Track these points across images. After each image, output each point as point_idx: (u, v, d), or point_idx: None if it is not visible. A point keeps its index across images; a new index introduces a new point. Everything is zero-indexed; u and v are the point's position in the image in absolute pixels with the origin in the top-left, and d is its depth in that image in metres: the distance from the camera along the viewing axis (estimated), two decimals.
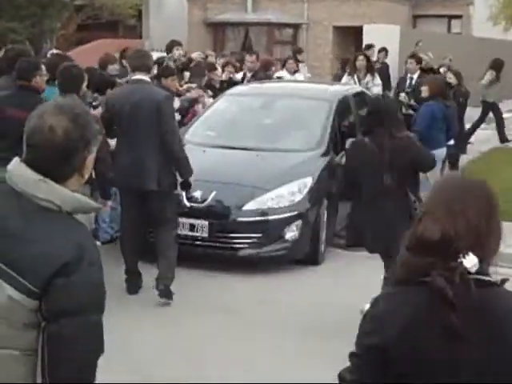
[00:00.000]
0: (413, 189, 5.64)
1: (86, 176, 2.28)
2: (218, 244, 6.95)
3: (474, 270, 1.90)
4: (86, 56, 13.24)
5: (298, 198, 7.12)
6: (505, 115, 14.66)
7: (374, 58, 12.61)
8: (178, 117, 7.84)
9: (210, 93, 9.66)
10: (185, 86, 9.29)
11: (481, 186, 2.03)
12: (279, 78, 11.30)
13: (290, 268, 7.11)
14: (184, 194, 6.65)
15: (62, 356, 2.09)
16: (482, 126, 14.14)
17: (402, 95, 10.50)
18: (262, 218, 7.01)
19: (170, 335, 5.58)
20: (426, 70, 11.87)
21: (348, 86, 10.50)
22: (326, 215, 7.36)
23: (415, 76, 11.00)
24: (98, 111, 7.13)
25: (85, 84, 6.98)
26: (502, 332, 1.90)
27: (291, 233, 7.03)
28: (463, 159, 11.58)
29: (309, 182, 7.26)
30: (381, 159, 5.43)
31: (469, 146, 12.91)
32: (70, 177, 2.21)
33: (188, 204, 6.83)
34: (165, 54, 10.71)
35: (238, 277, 6.81)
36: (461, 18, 24.23)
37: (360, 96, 9.36)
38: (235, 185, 7.09)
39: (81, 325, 2.08)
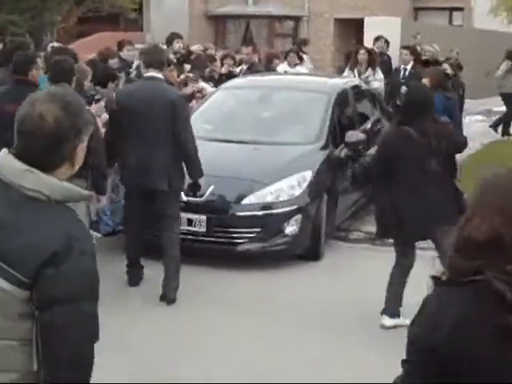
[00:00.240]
0: (452, 173, 5.79)
1: (77, 166, 2.27)
2: (216, 239, 6.87)
3: None
4: (86, 49, 13.23)
5: (298, 192, 7.04)
6: (499, 108, 14.65)
7: (385, 51, 12.52)
8: None
9: (211, 84, 9.65)
10: (182, 77, 9.25)
11: None
12: (285, 72, 11.24)
13: (289, 263, 7.06)
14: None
15: (54, 344, 2.10)
16: (480, 117, 14.12)
17: (404, 88, 10.45)
18: (262, 213, 6.92)
19: (169, 328, 5.58)
20: (431, 62, 11.83)
21: (346, 78, 10.44)
22: (325, 209, 7.29)
23: (409, 67, 10.93)
24: (100, 105, 7.11)
25: (89, 79, 6.98)
26: None
27: (291, 227, 6.95)
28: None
29: (308, 175, 7.17)
30: (426, 146, 5.49)
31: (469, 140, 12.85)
32: (59, 166, 2.21)
33: (185, 198, 6.70)
34: (165, 47, 10.68)
35: (237, 272, 6.75)
36: (462, 11, 24.15)
37: (358, 89, 9.34)
38: (233, 179, 7.00)
39: (72, 313, 2.09)
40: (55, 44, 12.49)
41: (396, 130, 5.67)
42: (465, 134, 8.37)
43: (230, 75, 10.46)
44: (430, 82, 8.74)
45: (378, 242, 8.10)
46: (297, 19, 24.18)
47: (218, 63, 10.78)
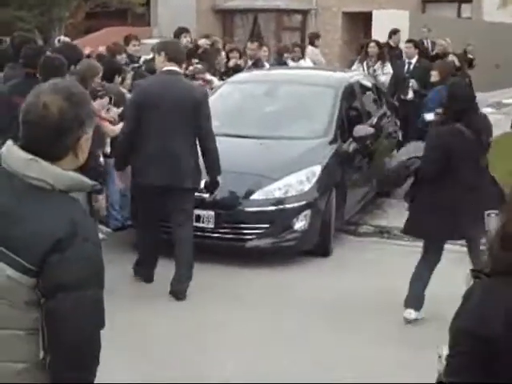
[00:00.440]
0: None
1: (82, 158, 2.28)
2: (224, 235, 6.81)
3: None
4: (94, 44, 13.24)
5: (307, 187, 6.97)
6: (510, 100, 14.58)
7: (401, 45, 12.46)
8: None
9: (217, 77, 9.65)
10: (191, 68, 9.22)
11: None
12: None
13: (298, 258, 7.02)
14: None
15: (60, 331, 2.13)
16: (490, 110, 14.04)
17: (412, 81, 10.40)
18: (270, 208, 6.85)
19: (178, 325, 5.56)
20: (442, 56, 11.78)
21: (352, 72, 10.39)
22: (335, 204, 7.23)
23: (413, 61, 10.87)
24: (102, 102, 7.07)
25: (100, 75, 6.97)
26: None
27: (300, 223, 6.88)
28: None
29: (317, 170, 7.11)
30: (477, 141, 5.49)
31: None
32: (63, 156, 2.23)
33: None
34: None
35: (246, 268, 6.70)
36: (471, 3, 24.01)
37: (364, 83, 9.31)
38: (241, 174, 6.90)
39: (77, 299, 2.12)
40: (62, 37, 12.48)
41: (448, 128, 5.51)
42: None
43: (237, 69, 10.45)
44: (439, 74, 8.73)
45: (386, 236, 8.11)
46: (305, 13, 24.11)
47: (224, 56, 10.76)
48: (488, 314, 1.92)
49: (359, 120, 8.32)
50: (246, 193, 6.88)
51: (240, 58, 11.10)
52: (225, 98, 8.45)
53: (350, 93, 8.47)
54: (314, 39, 13.69)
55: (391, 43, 12.54)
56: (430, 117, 8.46)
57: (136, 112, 5.97)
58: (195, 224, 6.61)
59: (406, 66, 10.85)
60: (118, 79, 7.92)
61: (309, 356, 5.08)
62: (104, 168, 7.32)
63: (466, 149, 5.44)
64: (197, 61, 9.76)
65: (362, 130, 8.02)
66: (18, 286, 2.12)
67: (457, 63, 10.25)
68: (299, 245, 6.97)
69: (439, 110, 8.44)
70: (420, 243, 7.76)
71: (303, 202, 6.90)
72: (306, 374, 4.81)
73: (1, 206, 2.18)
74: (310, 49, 13.53)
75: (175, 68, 6.01)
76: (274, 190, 6.89)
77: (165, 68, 6.02)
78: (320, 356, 5.08)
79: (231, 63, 10.79)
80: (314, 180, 7.01)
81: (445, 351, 2.10)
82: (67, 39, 11.91)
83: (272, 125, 7.83)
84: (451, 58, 10.31)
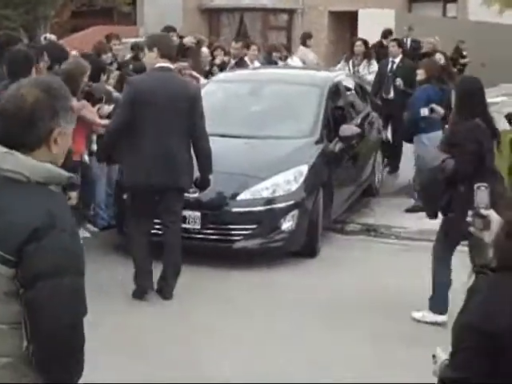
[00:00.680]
0: None
1: (56, 151, 2.30)
2: (211, 236, 6.73)
3: None
4: (81, 43, 13.19)
5: (294, 186, 6.92)
6: (497, 99, 14.61)
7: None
8: None
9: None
10: (175, 65, 9.19)
11: None
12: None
13: (286, 259, 6.96)
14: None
15: (38, 319, 2.16)
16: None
17: (399, 80, 10.42)
18: (257, 209, 6.78)
19: (165, 326, 5.53)
20: (430, 54, 11.81)
21: (337, 71, 10.39)
22: (322, 204, 7.21)
23: (397, 60, 10.87)
24: (110, 108, 7.05)
25: (87, 74, 6.94)
26: None
27: (288, 223, 6.82)
28: None
29: (304, 170, 7.07)
30: (491, 135, 5.53)
31: None
32: (36, 147, 2.27)
33: None
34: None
35: (234, 269, 6.63)
36: (456, 2, 24.11)
37: (348, 82, 9.31)
38: (228, 174, 6.75)
39: (54, 287, 2.15)
40: (48, 35, 12.41)
41: (471, 124, 5.45)
42: None
43: (223, 67, 10.44)
44: (425, 73, 8.74)
45: (373, 234, 8.14)
46: (291, 12, 24.12)
47: (207, 54, 10.73)
48: (493, 309, 1.94)
49: (344, 119, 8.32)
50: (233, 193, 6.83)
51: (225, 56, 11.11)
52: (210, 97, 8.28)
53: (335, 92, 8.45)
54: (306, 39, 13.68)
55: (384, 43, 12.57)
56: (425, 112, 8.46)
57: (129, 109, 5.79)
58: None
59: (390, 65, 10.86)
60: (103, 77, 7.91)
61: (304, 355, 5.06)
62: (89, 166, 7.32)
63: (489, 143, 5.47)
64: (184, 59, 9.75)
65: (347, 129, 8.03)
66: None
67: (443, 61, 10.24)
68: (287, 245, 6.92)
69: (436, 106, 8.47)
70: (406, 241, 7.86)
71: (291, 202, 6.85)
72: (302, 373, 4.80)
73: None
74: (300, 48, 13.54)
75: (168, 65, 5.88)
76: (262, 189, 6.85)
77: (157, 65, 5.86)
78: (315, 355, 5.07)
79: (217, 60, 10.78)
80: (302, 180, 6.98)
81: (439, 351, 2.11)
82: (53, 37, 11.84)
83: (258, 124, 7.78)
84: (438, 56, 10.29)
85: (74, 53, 8.99)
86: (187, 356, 5.03)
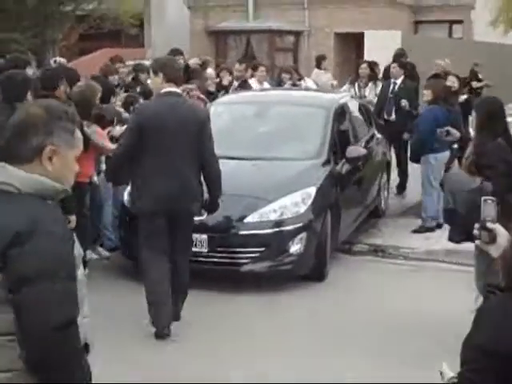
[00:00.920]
0: None
1: (50, 168, 2.34)
2: (218, 259, 6.64)
3: None
4: (89, 66, 13.26)
5: (303, 209, 6.84)
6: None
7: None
8: None
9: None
10: (182, 87, 9.24)
11: None
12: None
13: (295, 282, 6.87)
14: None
15: (26, 324, 2.16)
16: None
17: (404, 101, 10.44)
18: (265, 231, 6.70)
19: (171, 352, 5.48)
20: (441, 76, 11.85)
21: (342, 93, 10.40)
22: (330, 226, 7.15)
23: (399, 81, 10.87)
24: (123, 128, 7.07)
25: (99, 96, 6.99)
26: None
27: (296, 246, 6.73)
28: None
29: (312, 192, 7.00)
30: None
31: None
32: (29, 160, 2.33)
33: None
34: None
35: (241, 293, 6.56)
36: (462, 23, 24.22)
37: (353, 103, 9.31)
38: (235, 196, 6.64)
39: (41, 291, 2.16)
40: (58, 58, 12.50)
41: (497, 144, 5.45)
42: None
43: (228, 89, 10.51)
44: (432, 93, 8.76)
45: (381, 254, 8.12)
46: (297, 34, 24.24)
47: (213, 75, 10.77)
48: (504, 331, 1.93)
49: (350, 141, 8.32)
50: (241, 215, 6.76)
51: (230, 77, 11.16)
52: (216, 119, 8.28)
53: (341, 114, 8.44)
54: (320, 60, 13.73)
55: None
56: (442, 135, 8.43)
57: (135, 136, 5.66)
58: None
59: (392, 86, 10.87)
60: (113, 99, 7.98)
61: (313, 379, 4.97)
62: (99, 186, 7.35)
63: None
64: (191, 81, 9.80)
65: (354, 151, 8.03)
66: None
67: (456, 85, 10.15)
68: (295, 269, 6.83)
69: (452, 129, 8.44)
70: (414, 262, 7.84)
71: (299, 225, 6.76)
72: None
73: None
74: (315, 71, 13.59)
75: (175, 89, 5.79)
76: (269, 212, 6.78)
77: (164, 90, 5.74)
78: (325, 379, 4.98)
79: (225, 81, 10.83)
80: (310, 202, 6.91)
81: (445, 368, 2.11)
82: (63, 60, 11.92)
83: (264, 146, 7.75)
84: (452, 79, 10.22)
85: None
86: (194, 379, 4.98)
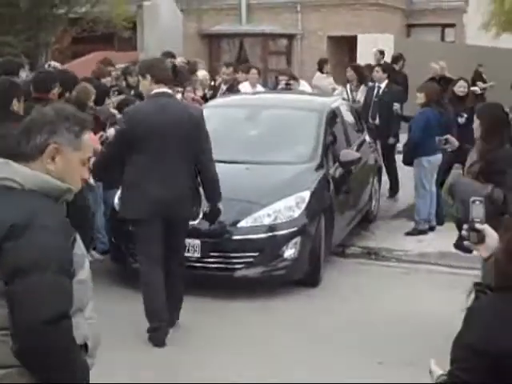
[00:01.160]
0: None
1: (52, 167, 2.37)
2: (211, 264, 6.58)
3: None
4: (82, 69, 13.23)
5: (297, 213, 6.78)
6: None
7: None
8: None
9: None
10: (178, 89, 9.26)
11: None
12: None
13: (288, 287, 6.84)
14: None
15: (18, 315, 2.16)
16: None
17: (397, 105, 10.44)
18: (259, 236, 6.62)
19: (167, 357, 5.47)
20: (439, 79, 11.88)
21: (334, 96, 10.39)
22: (324, 231, 7.11)
23: (383, 85, 10.86)
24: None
25: (93, 98, 6.98)
26: None
27: (290, 251, 6.67)
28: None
29: (306, 196, 6.94)
30: None
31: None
32: (32, 158, 2.36)
33: None
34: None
35: (234, 299, 6.52)
36: (454, 27, 24.30)
37: (345, 107, 9.32)
38: (228, 200, 6.29)
39: (33, 283, 2.17)
40: (53, 63, 12.47)
41: (507, 151, 5.42)
42: None
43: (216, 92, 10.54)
44: (425, 96, 8.78)
45: (374, 257, 8.16)
46: (290, 37, 24.29)
47: (207, 78, 10.79)
48: (494, 331, 1.95)
49: (342, 145, 8.31)
50: (234, 220, 6.67)
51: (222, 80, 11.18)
52: (208, 123, 8.29)
53: (333, 117, 8.42)
54: (322, 64, 13.72)
55: (396, 68, 12.70)
56: (441, 143, 8.46)
57: (126, 139, 5.53)
58: None
59: (376, 90, 10.85)
60: (107, 101, 7.99)
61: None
62: (94, 188, 7.36)
63: None
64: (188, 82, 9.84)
65: (348, 154, 8.03)
66: None
67: (466, 90, 9.72)
68: (289, 273, 6.77)
69: (451, 138, 8.46)
70: (407, 264, 7.86)
71: (293, 229, 6.69)
72: None
73: None
74: (317, 75, 13.60)
75: (165, 90, 5.62)
76: (263, 216, 6.70)
77: (154, 91, 5.59)
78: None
79: (220, 82, 10.84)
80: (304, 206, 6.84)
81: (433, 365, 2.13)
82: (57, 64, 11.89)
83: (257, 150, 7.68)
84: (462, 83, 9.73)
85: None
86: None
